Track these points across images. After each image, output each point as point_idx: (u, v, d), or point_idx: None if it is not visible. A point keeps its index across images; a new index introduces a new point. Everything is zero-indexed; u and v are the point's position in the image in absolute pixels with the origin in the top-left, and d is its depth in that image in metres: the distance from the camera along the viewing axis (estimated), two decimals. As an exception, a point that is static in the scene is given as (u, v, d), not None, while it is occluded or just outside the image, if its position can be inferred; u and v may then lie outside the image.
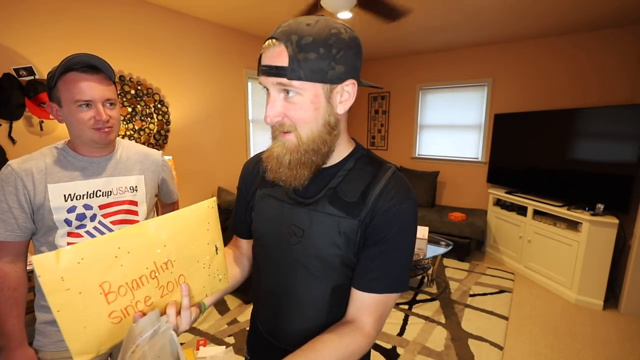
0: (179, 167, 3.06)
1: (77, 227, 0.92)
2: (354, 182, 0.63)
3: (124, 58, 2.62)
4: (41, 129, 2.20)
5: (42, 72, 2.17)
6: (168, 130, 2.98)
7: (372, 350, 0.85)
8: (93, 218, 0.94)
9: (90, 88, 0.87)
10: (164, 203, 1.31)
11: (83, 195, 0.93)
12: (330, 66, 0.54)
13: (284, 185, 0.63)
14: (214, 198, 0.60)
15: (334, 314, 0.66)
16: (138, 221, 1.03)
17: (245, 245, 0.85)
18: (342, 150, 0.65)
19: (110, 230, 0.98)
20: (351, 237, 0.61)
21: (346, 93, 0.59)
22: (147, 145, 2.83)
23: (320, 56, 0.53)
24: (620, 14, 2.81)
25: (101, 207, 0.96)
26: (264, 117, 0.59)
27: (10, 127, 2.06)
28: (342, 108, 0.59)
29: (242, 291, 2.69)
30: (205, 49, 3.24)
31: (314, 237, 0.62)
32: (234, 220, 0.85)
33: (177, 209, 1.32)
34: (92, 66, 0.88)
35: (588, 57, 3.32)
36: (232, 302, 2.68)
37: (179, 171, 3.07)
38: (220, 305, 2.61)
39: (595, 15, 2.85)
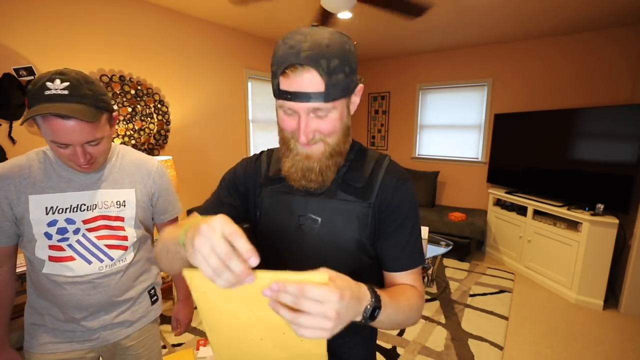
0: (178, 167, 3.06)
1: (59, 240, 0.87)
2: (359, 170, 0.69)
3: (124, 58, 2.62)
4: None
5: (42, 72, 2.17)
6: (168, 130, 2.98)
7: (372, 350, 0.85)
8: (76, 232, 0.89)
9: (68, 134, 0.76)
10: (159, 225, 1.10)
11: (66, 209, 0.87)
12: (351, 80, 0.59)
13: (308, 189, 0.66)
14: None
15: None
16: (126, 238, 0.96)
17: None
18: None
19: (95, 245, 0.91)
20: (364, 220, 0.66)
21: (355, 97, 0.64)
22: (147, 146, 2.83)
23: (346, 75, 0.57)
24: (624, 13, 2.78)
25: (85, 221, 0.89)
26: (297, 138, 0.60)
27: (10, 127, 2.06)
28: (352, 110, 0.65)
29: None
30: (205, 48, 3.24)
31: (331, 224, 0.67)
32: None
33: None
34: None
35: (589, 56, 3.32)
36: (232, 302, 2.67)
37: (179, 171, 3.07)
38: (220, 305, 2.61)
39: (600, 14, 2.83)
